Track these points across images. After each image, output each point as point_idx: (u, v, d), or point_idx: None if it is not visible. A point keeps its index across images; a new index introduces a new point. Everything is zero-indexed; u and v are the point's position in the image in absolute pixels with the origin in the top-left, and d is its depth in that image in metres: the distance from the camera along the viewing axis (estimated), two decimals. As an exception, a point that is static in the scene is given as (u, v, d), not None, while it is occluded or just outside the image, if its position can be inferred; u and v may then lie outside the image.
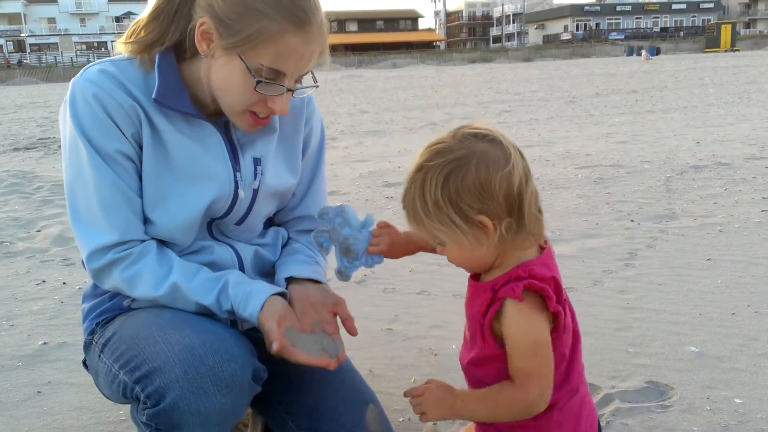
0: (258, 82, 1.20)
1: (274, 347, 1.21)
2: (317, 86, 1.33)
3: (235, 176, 1.35)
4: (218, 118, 1.34)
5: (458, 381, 1.97)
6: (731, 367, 2.01)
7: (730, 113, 8.81)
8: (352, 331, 1.36)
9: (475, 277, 1.20)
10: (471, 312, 1.19)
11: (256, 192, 1.39)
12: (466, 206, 1.07)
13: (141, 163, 1.29)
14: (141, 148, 1.29)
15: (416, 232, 1.15)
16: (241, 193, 1.37)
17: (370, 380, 1.99)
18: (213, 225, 1.40)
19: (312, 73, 1.30)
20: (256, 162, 1.38)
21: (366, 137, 8.11)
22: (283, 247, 1.54)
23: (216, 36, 1.20)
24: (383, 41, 75.71)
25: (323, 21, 1.23)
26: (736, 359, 2.06)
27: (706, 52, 42.87)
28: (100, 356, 1.32)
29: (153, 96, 1.25)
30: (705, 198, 4.21)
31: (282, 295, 1.33)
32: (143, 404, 1.17)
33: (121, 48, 1.31)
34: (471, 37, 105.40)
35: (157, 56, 1.28)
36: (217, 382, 1.14)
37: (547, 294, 1.07)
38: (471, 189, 1.06)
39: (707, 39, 46.99)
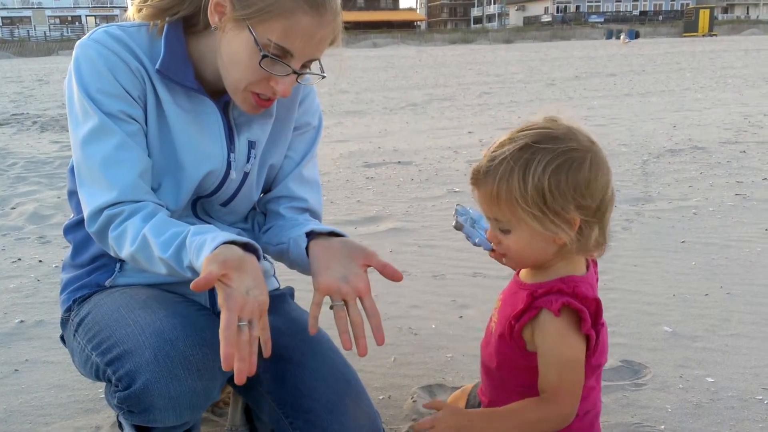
0: (263, 57, 1.17)
1: (196, 281, 1.02)
2: (323, 76, 1.30)
3: (228, 157, 1.34)
4: (219, 97, 1.32)
5: (436, 360, 2.01)
6: (704, 346, 2.06)
7: (707, 98, 8.92)
8: (397, 276, 1.22)
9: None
10: (505, 309, 1.16)
11: (246, 175, 1.38)
12: (571, 199, 1.03)
13: (147, 125, 1.27)
14: (146, 112, 1.27)
15: (489, 209, 1.10)
16: (233, 174, 1.35)
17: (350, 359, 2.01)
18: (198, 203, 1.39)
19: (320, 62, 1.28)
20: (251, 145, 1.36)
21: (346, 117, 8.07)
22: (265, 231, 1.47)
23: (229, 8, 1.18)
24: (363, 20, 74.93)
25: (339, 10, 1.21)
26: (708, 339, 2.11)
27: (684, 36, 43.18)
28: (74, 335, 1.31)
29: (157, 66, 1.23)
30: (680, 181, 4.27)
31: (251, 250, 1.13)
32: (114, 386, 1.17)
33: (132, 12, 1.30)
34: (452, 17, 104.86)
35: (165, 26, 1.26)
36: (188, 367, 1.13)
37: (584, 317, 1.05)
38: (578, 185, 1.03)
39: (685, 23, 47.30)
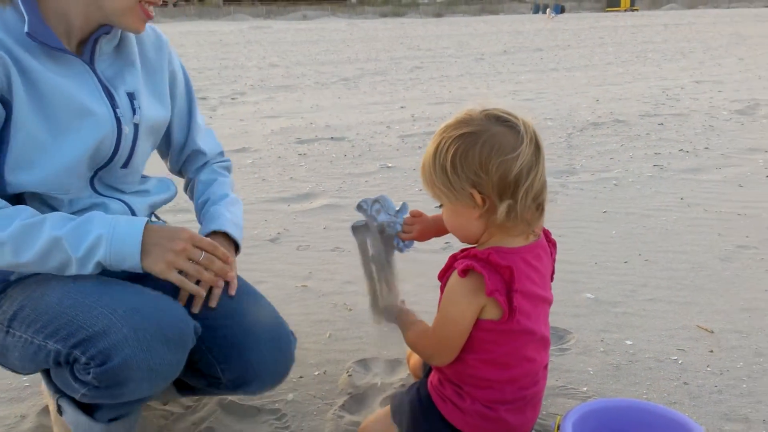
0: None
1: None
2: None
3: (115, 113, 1.32)
4: (81, 51, 1.31)
5: (372, 335, 2.04)
6: (623, 311, 2.17)
7: (628, 72, 9.25)
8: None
9: None
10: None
11: (137, 127, 1.39)
12: (464, 176, 1.16)
13: (13, 110, 1.21)
14: (3, 103, 1.20)
15: (423, 186, 1.26)
16: (126, 128, 1.35)
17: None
18: (96, 178, 1.37)
19: None
20: (131, 96, 1.37)
21: (277, 92, 7.94)
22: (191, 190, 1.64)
23: None
24: (293, -8, 73.32)
25: None
26: (627, 304, 2.23)
27: (607, 11, 44.40)
28: (8, 332, 1.27)
29: (26, 30, 1.18)
30: (602, 154, 4.45)
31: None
32: (85, 364, 1.17)
33: None
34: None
35: None
36: (166, 340, 1.18)
37: (485, 280, 1.15)
38: (471, 164, 1.15)
39: (608, -2, 48.62)
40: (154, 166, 1.66)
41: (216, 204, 1.55)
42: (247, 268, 2.55)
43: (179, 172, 1.69)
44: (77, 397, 1.26)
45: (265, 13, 44.15)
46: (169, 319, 1.20)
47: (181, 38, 17.27)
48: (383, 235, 1.47)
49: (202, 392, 1.53)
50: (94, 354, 1.15)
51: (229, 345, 1.35)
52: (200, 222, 1.56)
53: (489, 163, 1.14)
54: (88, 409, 1.31)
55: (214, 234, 1.47)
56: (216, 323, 1.35)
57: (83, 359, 1.17)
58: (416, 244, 1.53)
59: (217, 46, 15.90)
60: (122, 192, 1.43)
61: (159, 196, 1.53)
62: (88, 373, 1.17)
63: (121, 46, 1.39)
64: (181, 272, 1.26)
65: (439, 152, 1.19)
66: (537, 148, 1.17)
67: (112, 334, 1.15)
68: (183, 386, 1.51)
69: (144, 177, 1.54)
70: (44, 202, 1.30)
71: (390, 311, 1.44)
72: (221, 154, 1.71)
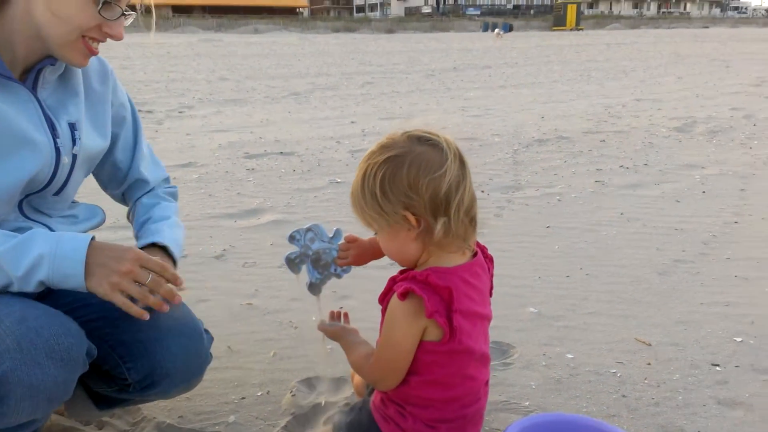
0: (104, 3, 1.20)
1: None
2: (134, 12, 1.33)
3: (55, 143, 1.32)
4: (25, 78, 1.30)
5: (317, 353, 2.02)
6: (565, 325, 2.22)
7: (572, 90, 9.51)
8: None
9: None
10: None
11: (75, 158, 1.38)
12: (395, 200, 1.17)
13: None
14: None
15: (356, 216, 1.24)
16: (65, 159, 1.34)
17: (228, 356, 1.99)
18: (25, 201, 1.35)
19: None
20: (72, 127, 1.36)
21: (226, 106, 7.86)
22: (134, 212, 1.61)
23: None
24: (244, 4, 72.71)
25: None
26: (569, 318, 2.27)
27: (554, 30, 45.60)
28: None
29: None
30: (547, 169, 4.55)
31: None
32: None
33: None
34: (335, 5, 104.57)
35: None
36: (53, 355, 1.12)
37: (424, 303, 1.16)
38: (400, 186, 1.16)
39: (555, 17, 49.96)
40: (85, 189, 1.62)
41: (157, 222, 1.53)
42: (191, 285, 2.50)
43: (122, 198, 1.66)
44: None
45: (216, 25, 43.72)
46: (59, 334, 1.15)
47: (127, 50, 16.94)
48: (320, 263, 1.46)
49: (118, 403, 1.48)
50: None
51: (133, 341, 1.31)
52: (137, 238, 1.53)
53: (418, 183, 1.15)
54: None
55: (152, 246, 1.43)
56: (119, 319, 1.30)
57: None
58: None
59: (165, 58, 15.65)
60: (49, 216, 1.41)
61: (87, 223, 1.51)
62: None
63: (65, 76, 1.38)
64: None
65: (366, 179, 1.19)
66: (462, 163, 1.19)
67: None
68: (99, 399, 1.47)
69: (73, 202, 1.51)
70: None
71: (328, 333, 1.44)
72: (167, 180, 1.68)
